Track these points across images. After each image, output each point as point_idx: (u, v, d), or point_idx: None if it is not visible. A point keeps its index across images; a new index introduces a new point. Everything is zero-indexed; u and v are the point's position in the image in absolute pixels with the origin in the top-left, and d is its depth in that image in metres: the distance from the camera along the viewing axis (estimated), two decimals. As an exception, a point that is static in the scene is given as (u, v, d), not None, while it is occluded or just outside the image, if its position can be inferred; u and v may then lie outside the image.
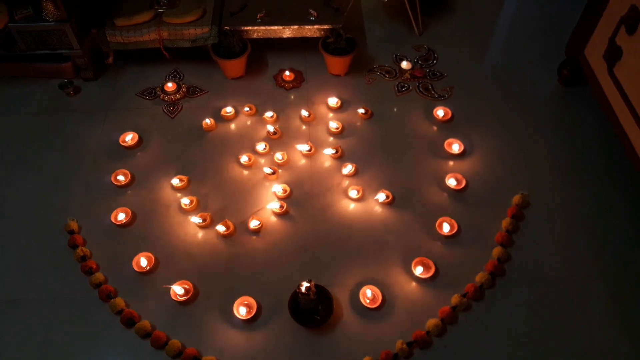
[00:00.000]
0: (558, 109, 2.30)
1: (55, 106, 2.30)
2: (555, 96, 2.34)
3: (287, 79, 2.39)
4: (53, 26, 2.14)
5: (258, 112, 2.27)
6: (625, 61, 1.84)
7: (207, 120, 2.20)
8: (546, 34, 2.62)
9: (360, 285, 1.76)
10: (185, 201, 1.93)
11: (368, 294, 1.73)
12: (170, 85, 2.34)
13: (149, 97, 2.34)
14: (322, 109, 2.29)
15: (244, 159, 2.07)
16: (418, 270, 1.78)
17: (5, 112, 2.28)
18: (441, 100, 2.32)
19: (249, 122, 2.24)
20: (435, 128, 2.23)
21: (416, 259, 1.81)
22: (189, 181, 2.03)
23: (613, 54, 1.90)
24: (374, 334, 1.67)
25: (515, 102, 2.32)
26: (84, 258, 1.80)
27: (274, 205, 1.92)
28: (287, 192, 1.98)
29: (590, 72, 2.08)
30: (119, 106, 2.30)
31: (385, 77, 2.43)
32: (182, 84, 2.37)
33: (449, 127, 2.22)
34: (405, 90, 2.37)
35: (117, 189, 2.01)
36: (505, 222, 1.89)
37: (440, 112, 2.24)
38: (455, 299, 1.72)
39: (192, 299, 1.73)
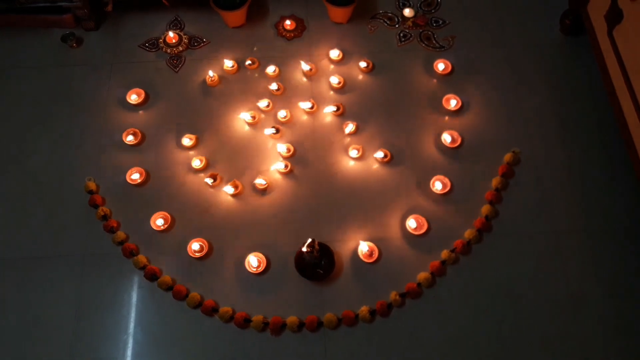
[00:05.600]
0: (557, 59, 2.32)
1: (60, 60, 2.32)
2: (555, 46, 2.35)
3: (289, 28, 2.39)
4: (51, -20, 2.12)
5: (260, 65, 2.30)
6: (625, 26, 1.85)
7: (211, 74, 2.24)
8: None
9: (359, 241, 1.93)
10: (196, 162, 2.04)
11: (366, 249, 1.91)
12: (172, 35, 2.35)
13: (152, 48, 2.35)
14: (324, 61, 2.31)
15: (248, 117, 2.14)
16: (412, 227, 1.95)
17: (13, 66, 2.31)
18: (442, 51, 2.34)
19: (251, 76, 2.28)
20: (435, 81, 2.27)
21: (410, 216, 1.96)
22: (197, 140, 2.12)
23: (614, 16, 1.90)
24: (371, 286, 1.87)
25: (515, 51, 2.34)
26: (105, 217, 1.96)
27: (279, 166, 2.03)
28: (291, 152, 2.09)
29: (591, 28, 2.09)
30: (123, 59, 2.33)
31: (387, 23, 2.42)
32: (184, 34, 2.37)
33: (448, 81, 2.27)
34: (406, 40, 2.37)
35: (129, 147, 2.12)
36: (496, 181, 2.02)
37: (440, 66, 2.27)
38: (444, 254, 1.90)
39: (207, 255, 1.92)
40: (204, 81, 2.25)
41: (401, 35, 2.39)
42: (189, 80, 2.28)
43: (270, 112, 2.18)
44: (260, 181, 2.01)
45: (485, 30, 2.40)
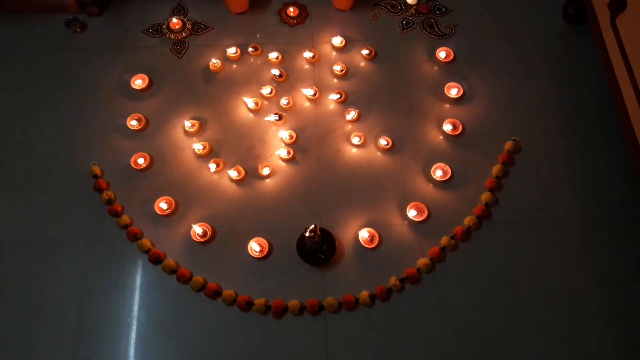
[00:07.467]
0: (560, 48, 2.32)
1: (64, 45, 2.33)
2: (558, 34, 2.35)
3: (292, 14, 2.39)
4: (54, -36, 2.12)
5: (264, 52, 2.31)
6: (628, 14, 1.86)
7: (214, 61, 2.25)
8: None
9: (360, 227, 1.95)
10: (198, 147, 2.06)
11: (366, 235, 1.93)
12: (175, 21, 2.36)
13: (155, 34, 2.36)
14: (326, 48, 2.32)
15: (251, 103, 2.15)
16: (412, 214, 1.97)
17: (17, 50, 2.32)
18: (445, 39, 2.34)
19: (254, 62, 2.29)
20: (437, 69, 2.28)
21: (411, 203, 1.99)
22: (200, 125, 2.14)
23: (617, 5, 1.90)
24: (371, 271, 1.90)
25: (517, 39, 2.34)
26: (109, 201, 1.98)
27: (282, 152, 2.05)
28: (294, 138, 2.10)
29: (594, 16, 2.09)
30: (127, 45, 2.33)
31: (390, 11, 2.42)
32: (187, 20, 2.38)
33: (450, 69, 2.28)
34: (409, 27, 2.38)
35: (133, 132, 2.13)
36: (496, 169, 2.04)
37: (442, 54, 2.28)
38: (444, 240, 1.92)
39: (210, 239, 1.94)
40: (207, 67, 2.26)
41: (404, 22, 2.39)
42: (193, 66, 2.29)
43: (273, 98, 2.19)
44: (263, 167, 2.03)
45: (487, 18, 2.41)
